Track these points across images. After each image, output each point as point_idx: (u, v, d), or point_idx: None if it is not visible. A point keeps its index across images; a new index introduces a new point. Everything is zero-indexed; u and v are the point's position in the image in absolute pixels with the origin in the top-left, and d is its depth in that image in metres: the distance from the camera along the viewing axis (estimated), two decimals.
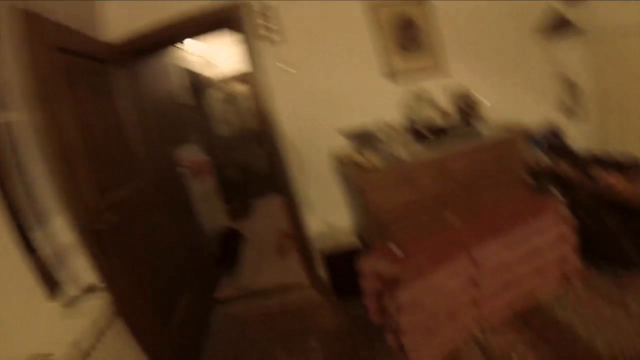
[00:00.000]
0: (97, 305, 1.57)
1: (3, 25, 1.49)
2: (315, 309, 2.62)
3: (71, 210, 1.55)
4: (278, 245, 3.62)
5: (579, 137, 2.87)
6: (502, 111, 2.63)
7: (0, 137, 1.46)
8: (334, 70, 2.56)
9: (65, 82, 1.67)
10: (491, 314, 2.05)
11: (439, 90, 2.63)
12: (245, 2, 2.43)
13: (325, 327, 2.42)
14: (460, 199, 2.29)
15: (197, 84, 4.70)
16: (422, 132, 2.35)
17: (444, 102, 2.62)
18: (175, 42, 2.81)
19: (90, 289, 1.61)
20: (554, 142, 2.78)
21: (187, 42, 3.57)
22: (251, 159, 5.24)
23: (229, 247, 3.63)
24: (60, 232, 1.58)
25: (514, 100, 2.77)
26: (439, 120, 2.48)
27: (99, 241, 1.62)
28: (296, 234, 2.76)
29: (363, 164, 2.21)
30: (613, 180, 2.26)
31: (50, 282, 1.48)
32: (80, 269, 1.61)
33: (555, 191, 2.51)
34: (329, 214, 2.68)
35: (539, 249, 2.10)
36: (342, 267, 2.42)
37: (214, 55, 5.03)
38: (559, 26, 2.67)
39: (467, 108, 2.47)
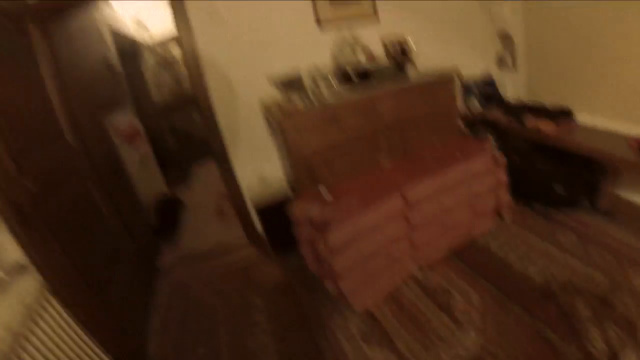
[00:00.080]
0: (27, 284, 1.48)
1: None
2: (256, 267, 2.68)
3: None
4: (217, 207, 3.62)
5: (512, 87, 3.10)
6: (436, 60, 2.70)
7: None
8: (265, 20, 2.49)
9: None
10: (429, 253, 2.19)
11: (371, 38, 2.65)
12: None
13: (267, 284, 2.49)
14: (391, 141, 2.32)
15: (130, 47, 4.36)
16: (349, 75, 2.33)
17: (376, 48, 2.65)
18: None
19: (17, 268, 1.50)
20: (487, 91, 2.99)
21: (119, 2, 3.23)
22: (188, 125, 5.05)
23: (168, 215, 3.56)
24: None
25: (448, 50, 2.89)
26: (366, 64, 2.48)
27: (19, 213, 1.50)
28: (231, 194, 2.76)
29: (287, 107, 2.18)
30: (543, 126, 2.46)
31: None
32: (4, 247, 1.49)
33: (488, 136, 2.73)
34: (262, 168, 2.68)
35: (473, 191, 2.26)
36: (278, 219, 2.44)
37: (148, 17, 4.62)
38: None
39: (398, 54, 2.51)
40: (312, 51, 2.56)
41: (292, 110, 2.13)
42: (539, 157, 2.57)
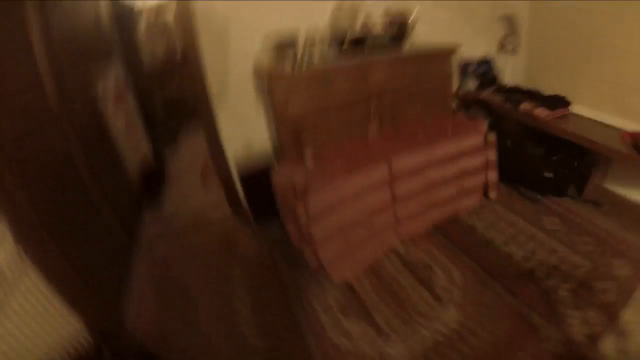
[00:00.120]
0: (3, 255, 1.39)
1: None
2: (237, 239, 2.62)
3: None
4: (202, 174, 3.55)
5: (511, 72, 3.04)
6: (436, 38, 2.60)
7: None
8: None
9: None
10: (412, 227, 2.15)
11: (374, 8, 2.51)
12: None
13: (248, 255, 2.43)
14: (381, 111, 2.24)
15: (122, 12, 4.17)
16: (344, 42, 2.24)
17: (376, 18, 2.53)
18: None
19: None
20: (484, 73, 2.93)
21: None
22: (177, 91, 4.93)
23: (152, 181, 3.47)
24: None
25: (450, 29, 2.79)
26: (363, 32, 2.37)
27: None
28: (216, 161, 2.68)
29: (276, 68, 2.10)
30: (538, 111, 2.42)
31: None
32: None
33: (481, 116, 2.69)
34: (249, 136, 2.58)
35: (461, 168, 2.22)
36: (261, 189, 2.37)
37: None
38: None
39: (398, 25, 2.43)
40: (312, 13, 2.41)
41: (281, 71, 2.04)
42: (531, 141, 2.55)
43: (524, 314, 1.65)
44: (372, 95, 2.17)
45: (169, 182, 3.74)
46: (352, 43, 2.22)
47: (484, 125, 2.37)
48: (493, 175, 2.43)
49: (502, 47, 3.02)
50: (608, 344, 1.48)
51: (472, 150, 2.26)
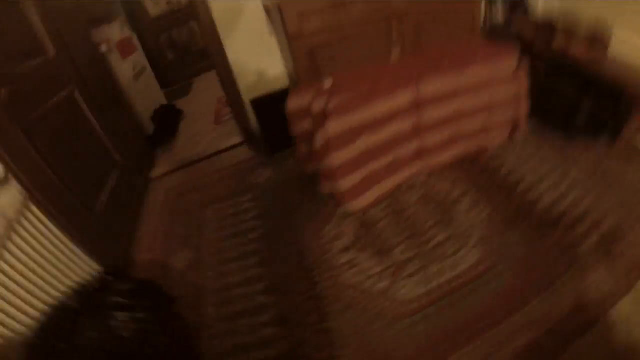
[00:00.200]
0: (9, 196, 1.35)
1: None
2: (250, 168, 2.57)
3: None
4: (216, 114, 3.58)
5: (547, 4, 2.71)
6: None
7: None
8: None
9: None
10: (436, 159, 2.02)
11: None
12: None
13: (260, 184, 2.38)
14: (404, 33, 2.04)
15: None
16: None
17: None
18: None
19: None
20: (519, 2, 2.63)
21: None
22: (187, 36, 4.89)
23: (166, 124, 3.46)
24: None
25: None
26: None
27: None
28: (229, 95, 2.61)
29: None
30: (574, 47, 2.19)
31: None
32: None
33: (512, 46, 2.43)
34: (262, 65, 2.44)
35: (492, 98, 2.02)
36: (276, 117, 2.23)
37: None
38: None
39: None
40: None
41: None
42: (564, 78, 2.28)
43: (545, 261, 1.51)
44: (395, 15, 1.97)
45: (182, 123, 3.73)
46: None
47: (516, 51, 2.12)
48: (523, 111, 2.20)
49: None
50: (625, 306, 1.32)
51: (503, 78, 2.04)
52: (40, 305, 1.26)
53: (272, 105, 2.27)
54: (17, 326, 1.18)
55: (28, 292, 1.26)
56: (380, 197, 1.92)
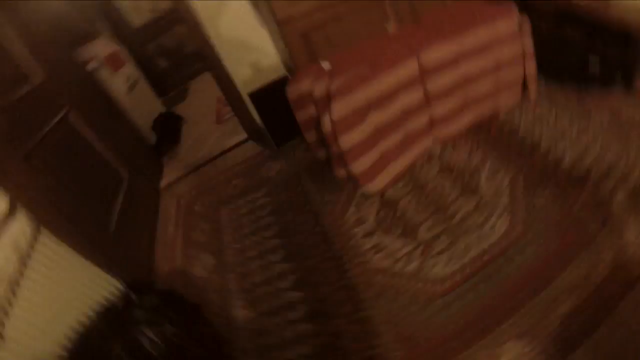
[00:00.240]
0: (18, 228, 1.32)
1: None
2: (259, 163, 2.53)
3: None
4: (216, 114, 3.55)
5: None
6: None
7: None
8: None
9: None
10: (450, 128, 1.94)
11: None
12: None
13: (272, 178, 2.34)
14: (398, 6, 1.94)
15: None
16: None
17: None
18: None
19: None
20: None
21: None
22: (175, 42, 4.83)
23: (167, 131, 3.43)
24: None
25: None
26: None
27: None
28: (227, 94, 2.55)
29: None
30: None
31: None
32: None
33: (511, 4, 2.32)
34: (256, 59, 2.37)
35: (497, 59, 1.93)
36: (277, 109, 2.20)
37: None
38: None
39: None
40: None
41: None
42: (570, 26, 2.15)
43: (577, 221, 1.43)
44: None
45: (184, 128, 3.71)
46: None
47: (514, 8, 2.02)
48: (531, 67, 2.09)
49: None
50: None
51: (506, 38, 1.94)
52: (67, 332, 1.23)
53: (271, 96, 2.22)
54: (46, 357, 1.16)
55: (52, 320, 1.23)
56: (398, 175, 1.85)
